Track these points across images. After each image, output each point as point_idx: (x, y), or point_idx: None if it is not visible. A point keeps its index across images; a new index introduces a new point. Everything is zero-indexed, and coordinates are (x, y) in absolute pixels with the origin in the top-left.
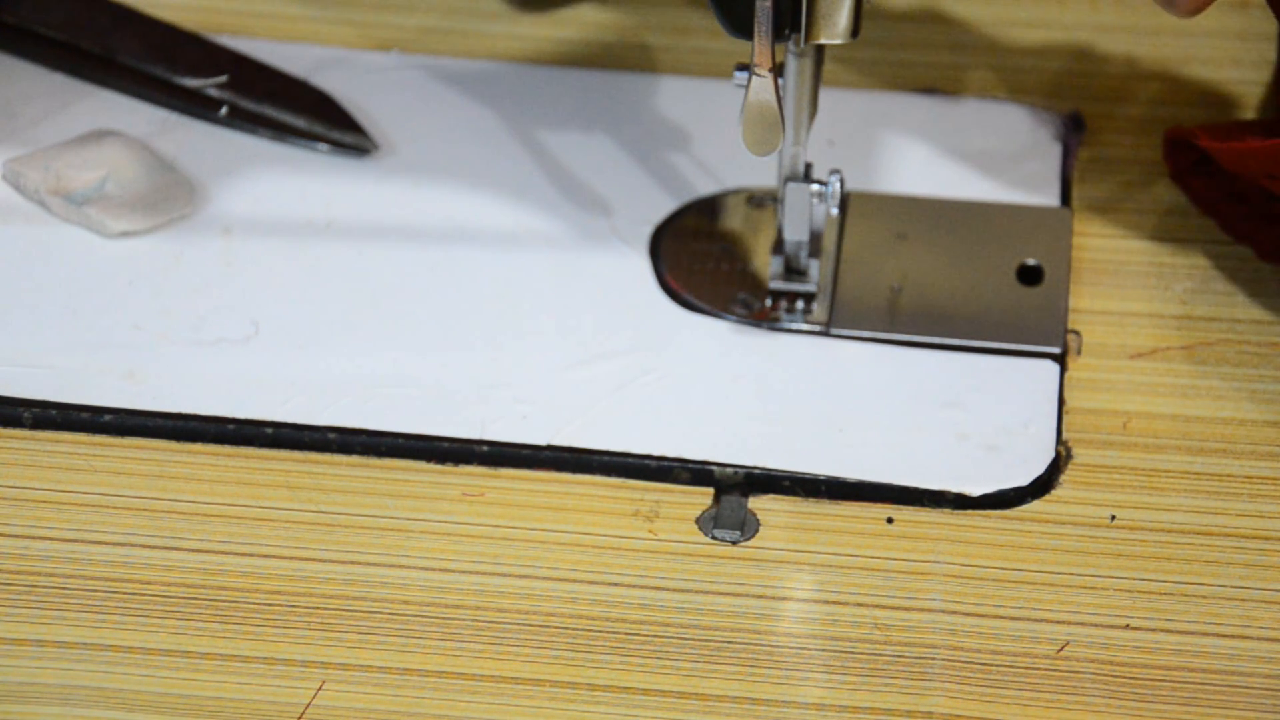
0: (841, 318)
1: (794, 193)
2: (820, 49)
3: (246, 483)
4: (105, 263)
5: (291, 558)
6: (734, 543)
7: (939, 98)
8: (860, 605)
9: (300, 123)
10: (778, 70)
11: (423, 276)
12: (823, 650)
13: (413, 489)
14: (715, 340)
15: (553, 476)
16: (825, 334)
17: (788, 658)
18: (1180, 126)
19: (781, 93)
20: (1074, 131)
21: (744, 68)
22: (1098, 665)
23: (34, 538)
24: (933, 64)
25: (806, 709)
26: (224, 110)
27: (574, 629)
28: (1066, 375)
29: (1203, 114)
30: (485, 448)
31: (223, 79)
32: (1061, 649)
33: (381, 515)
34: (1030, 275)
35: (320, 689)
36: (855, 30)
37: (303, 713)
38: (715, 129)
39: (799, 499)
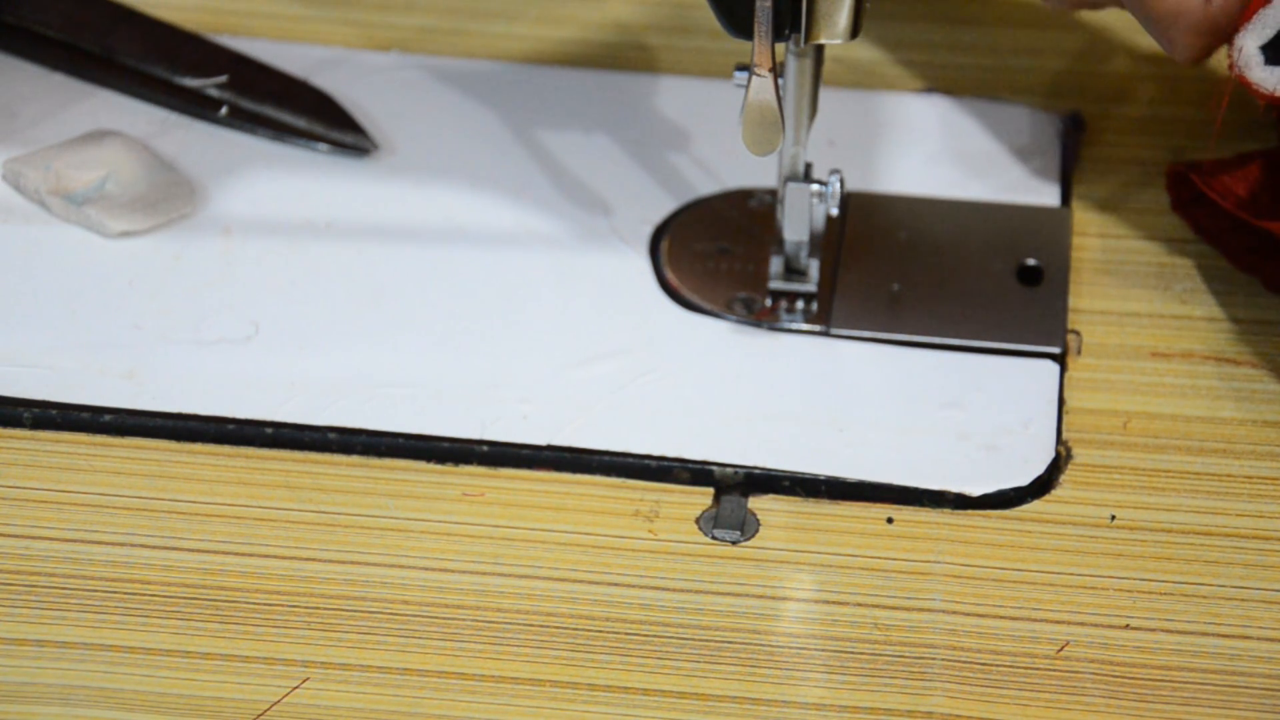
0: (841, 318)
1: (794, 193)
2: (820, 49)
3: (246, 483)
4: (105, 263)
5: (291, 558)
6: (734, 543)
7: (939, 98)
8: (860, 605)
9: (300, 123)
10: (778, 70)
11: (423, 276)
12: (823, 650)
13: (413, 489)
14: (715, 340)
15: (553, 476)
16: (825, 334)
17: (788, 658)
18: (1179, 165)
19: (781, 93)
20: (1074, 131)
21: (744, 68)
22: (1098, 665)
23: (34, 538)
24: (933, 64)
25: (806, 709)
26: (224, 110)
27: (574, 629)
28: (1066, 375)
29: (1202, 114)
30: (485, 448)
31: (223, 79)
32: (1061, 649)
33: (381, 515)
34: (1030, 275)
35: (301, 684)
36: (855, 30)
37: (277, 701)
38: (715, 129)
39: (799, 499)
